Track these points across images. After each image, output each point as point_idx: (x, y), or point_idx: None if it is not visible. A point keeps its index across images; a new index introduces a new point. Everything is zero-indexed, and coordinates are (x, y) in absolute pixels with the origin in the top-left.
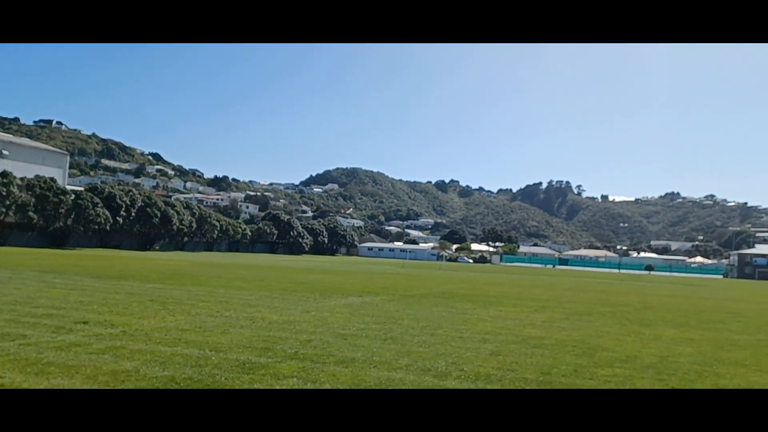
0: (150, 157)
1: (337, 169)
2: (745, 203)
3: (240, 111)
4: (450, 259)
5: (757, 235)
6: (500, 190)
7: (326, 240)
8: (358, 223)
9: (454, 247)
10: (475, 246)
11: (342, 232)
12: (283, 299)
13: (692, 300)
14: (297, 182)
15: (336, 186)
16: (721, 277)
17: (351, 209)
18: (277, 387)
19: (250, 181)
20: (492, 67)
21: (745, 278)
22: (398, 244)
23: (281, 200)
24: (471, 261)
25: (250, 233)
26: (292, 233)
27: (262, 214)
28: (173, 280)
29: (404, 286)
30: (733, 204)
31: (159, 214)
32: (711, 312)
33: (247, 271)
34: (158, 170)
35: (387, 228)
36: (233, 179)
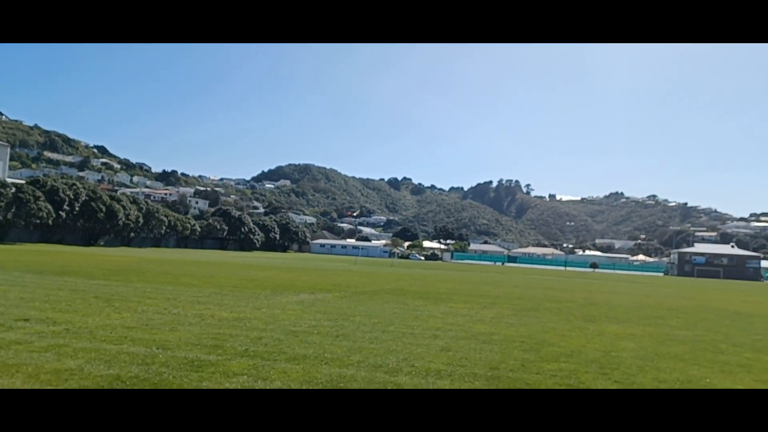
0: (95, 150)
1: (290, 165)
2: (685, 203)
3: (190, 106)
4: (402, 257)
5: (696, 234)
6: (452, 188)
7: (278, 236)
8: (311, 219)
9: (406, 244)
10: (426, 243)
11: (294, 229)
12: (234, 296)
13: (634, 297)
14: (248, 178)
15: (288, 182)
16: (662, 274)
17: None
18: (227, 385)
19: (200, 176)
20: (442, 65)
21: (685, 276)
22: (350, 241)
23: (232, 196)
24: (423, 258)
25: (199, 229)
26: (243, 229)
27: (212, 209)
28: (119, 277)
29: (356, 282)
30: (673, 204)
31: (104, 209)
32: (652, 308)
33: (196, 268)
34: (103, 164)
35: (339, 225)
36: (182, 174)
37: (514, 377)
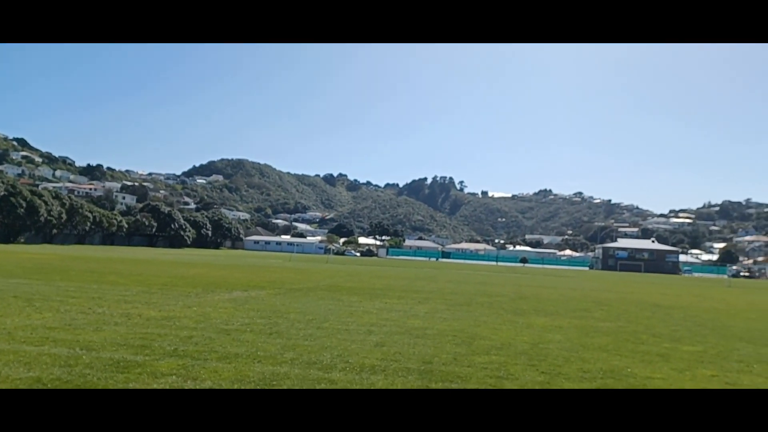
0: (14, 143)
1: (222, 160)
2: (609, 200)
3: (118, 100)
4: (338, 253)
5: (620, 230)
6: (387, 185)
7: (210, 233)
8: (244, 215)
9: (342, 240)
10: (362, 239)
11: (227, 225)
12: (163, 294)
13: (561, 290)
14: (179, 173)
15: (221, 177)
16: (587, 268)
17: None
18: (155, 386)
19: (127, 171)
20: (380, 63)
21: (609, 270)
22: (285, 238)
23: (161, 191)
24: (358, 254)
25: (126, 225)
26: (173, 226)
27: (140, 205)
28: (40, 275)
29: (291, 279)
30: (598, 201)
31: (24, 204)
32: (578, 301)
33: (123, 266)
34: (24, 157)
35: (274, 221)
36: (108, 168)
37: (446, 371)
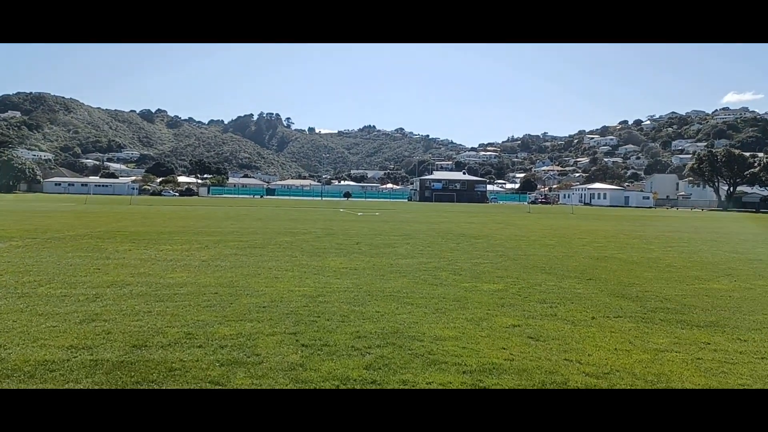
0: None
1: (19, 93)
2: (427, 135)
3: None
4: (154, 193)
5: (436, 163)
6: (212, 121)
7: None
8: (48, 155)
9: (159, 180)
10: (182, 179)
11: (19, 166)
12: None
13: (373, 223)
14: None
15: (18, 114)
16: (406, 200)
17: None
18: None
19: None
20: None
21: (425, 200)
22: (94, 179)
23: None
24: (177, 194)
25: None
26: None
27: None
28: None
29: (62, 226)
30: (418, 136)
31: None
32: (386, 235)
33: None
34: None
35: (84, 161)
36: None
37: (155, 360)
